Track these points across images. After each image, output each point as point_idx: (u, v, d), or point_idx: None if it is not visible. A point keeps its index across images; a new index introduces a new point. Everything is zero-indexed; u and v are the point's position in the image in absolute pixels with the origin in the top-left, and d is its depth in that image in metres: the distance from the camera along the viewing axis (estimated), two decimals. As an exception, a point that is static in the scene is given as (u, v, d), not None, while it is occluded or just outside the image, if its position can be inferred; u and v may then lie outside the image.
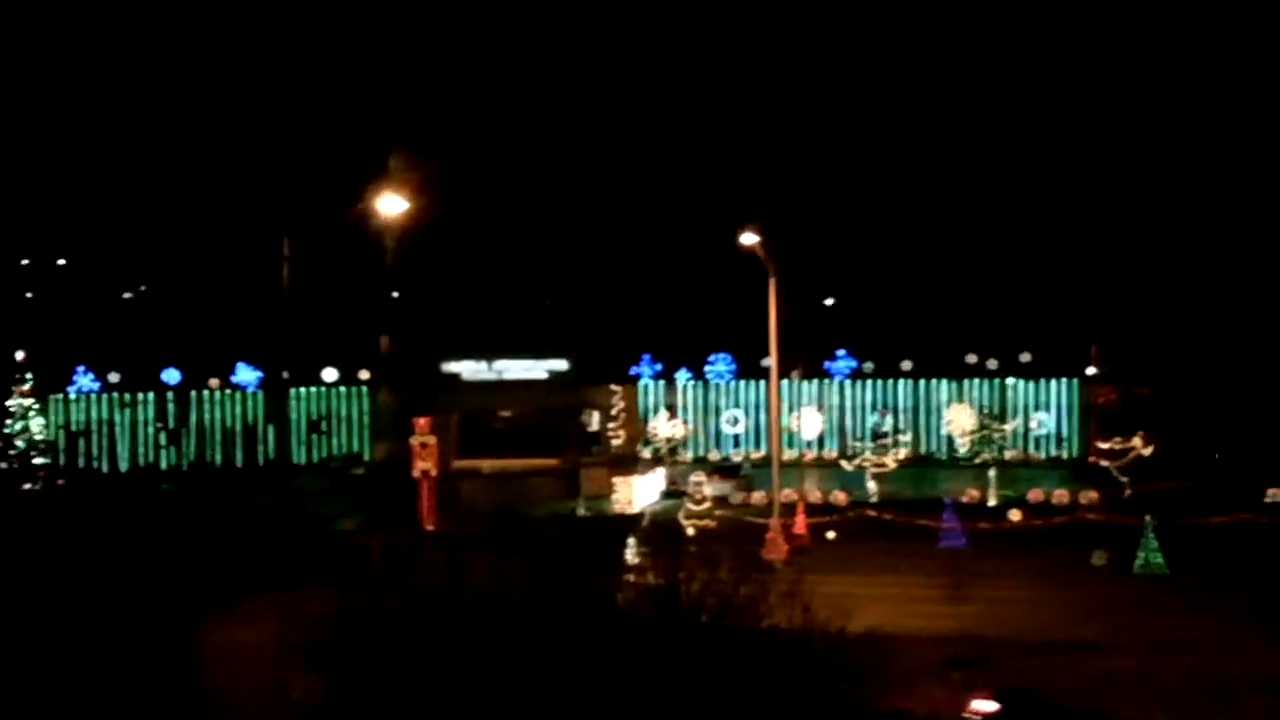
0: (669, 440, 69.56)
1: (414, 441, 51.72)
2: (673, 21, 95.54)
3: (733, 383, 75.97)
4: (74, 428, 74.79)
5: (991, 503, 55.57)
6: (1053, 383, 73.40)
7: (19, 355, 69.37)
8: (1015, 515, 51.22)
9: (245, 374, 75.02)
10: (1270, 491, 52.67)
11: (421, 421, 52.29)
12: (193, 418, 74.94)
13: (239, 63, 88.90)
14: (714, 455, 73.25)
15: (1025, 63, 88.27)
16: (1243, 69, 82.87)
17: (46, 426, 71.15)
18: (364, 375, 73.69)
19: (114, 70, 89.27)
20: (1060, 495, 55.15)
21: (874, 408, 73.82)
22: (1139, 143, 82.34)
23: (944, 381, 73.71)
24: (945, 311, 76.27)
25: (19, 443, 68.65)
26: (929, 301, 77.65)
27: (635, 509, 55.16)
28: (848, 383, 75.25)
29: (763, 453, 68.92)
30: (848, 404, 74.83)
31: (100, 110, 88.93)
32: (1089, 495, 54.50)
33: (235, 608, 31.68)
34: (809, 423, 73.32)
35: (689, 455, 71.97)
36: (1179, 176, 79.13)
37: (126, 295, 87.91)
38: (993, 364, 73.35)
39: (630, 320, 76.01)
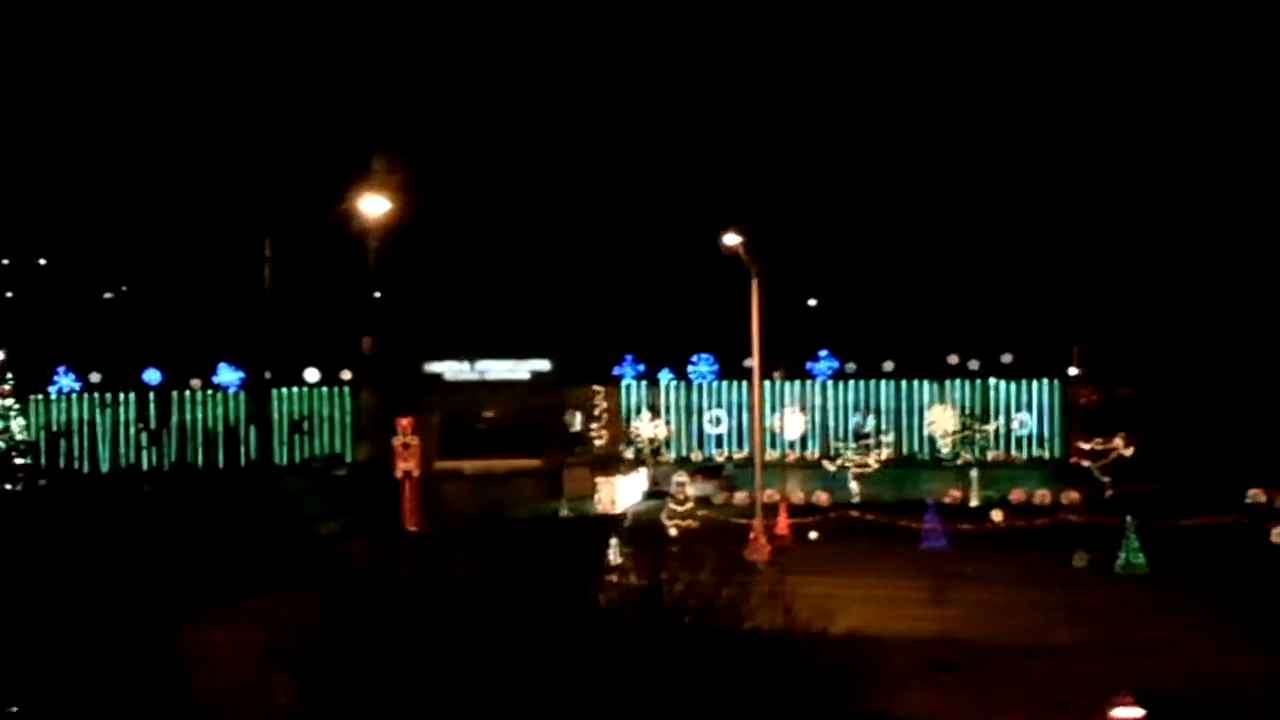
0: (651, 441, 69.67)
1: (396, 442, 51.75)
2: (655, 23, 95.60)
3: (715, 383, 75.92)
4: (55, 428, 74.27)
5: (973, 503, 55.70)
6: (1034, 383, 73.50)
7: (-1, 355, 69.11)
8: (997, 516, 51.34)
9: (227, 374, 74.69)
10: (1251, 492, 52.76)
11: (404, 422, 52.29)
12: (174, 418, 74.54)
13: (221, 63, 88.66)
14: (696, 456, 73.19)
15: (1006, 65, 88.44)
16: (1219, 71, 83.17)
17: (27, 427, 70.74)
18: (346, 376, 73.50)
19: (96, 70, 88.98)
20: (1042, 496, 55.24)
21: (856, 408, 73.83)
22: (1121, 145, 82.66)
23: (926, 382, 73.72)
24: (927, 312, 76.38)
25: (-1, 443, 68.35)
26: (911, 302, 77.74)
27: (618, 509, 55.18)
28: (830, 383, 75.27)
29: (745, 453, 68.90)
30: (830, 405, 74.85)
31: (82, 110, 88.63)
32: (1070, 496, 54.61)
33: (217, 609, 31.56)
34: (791, 423, 73.41)
35: (671, 456, 71.90)
36: (1161, 178, 79.45)
37: (107, 295, 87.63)
38: (974, 365, 73.41)
39: (613, 321, 75.92)
